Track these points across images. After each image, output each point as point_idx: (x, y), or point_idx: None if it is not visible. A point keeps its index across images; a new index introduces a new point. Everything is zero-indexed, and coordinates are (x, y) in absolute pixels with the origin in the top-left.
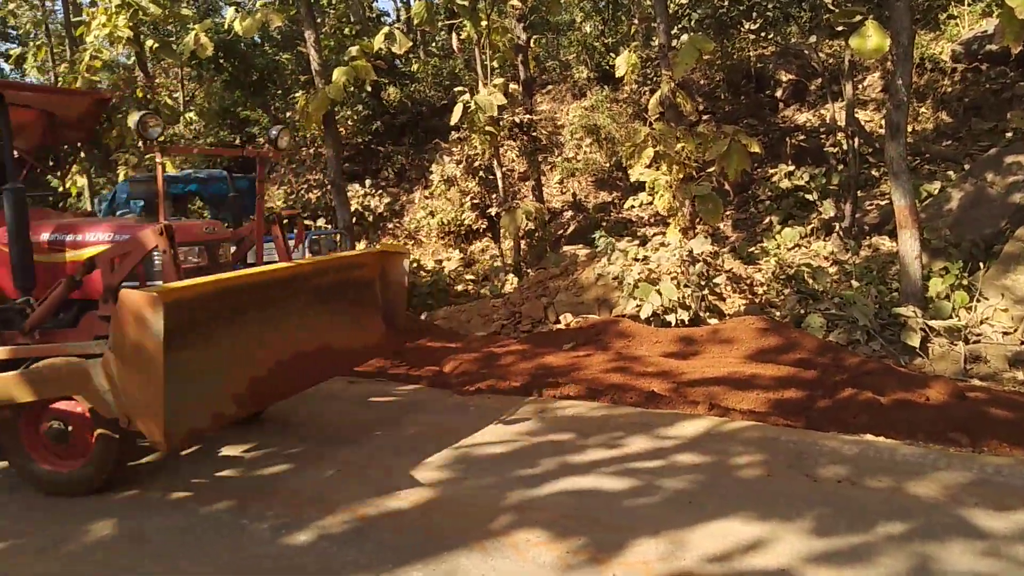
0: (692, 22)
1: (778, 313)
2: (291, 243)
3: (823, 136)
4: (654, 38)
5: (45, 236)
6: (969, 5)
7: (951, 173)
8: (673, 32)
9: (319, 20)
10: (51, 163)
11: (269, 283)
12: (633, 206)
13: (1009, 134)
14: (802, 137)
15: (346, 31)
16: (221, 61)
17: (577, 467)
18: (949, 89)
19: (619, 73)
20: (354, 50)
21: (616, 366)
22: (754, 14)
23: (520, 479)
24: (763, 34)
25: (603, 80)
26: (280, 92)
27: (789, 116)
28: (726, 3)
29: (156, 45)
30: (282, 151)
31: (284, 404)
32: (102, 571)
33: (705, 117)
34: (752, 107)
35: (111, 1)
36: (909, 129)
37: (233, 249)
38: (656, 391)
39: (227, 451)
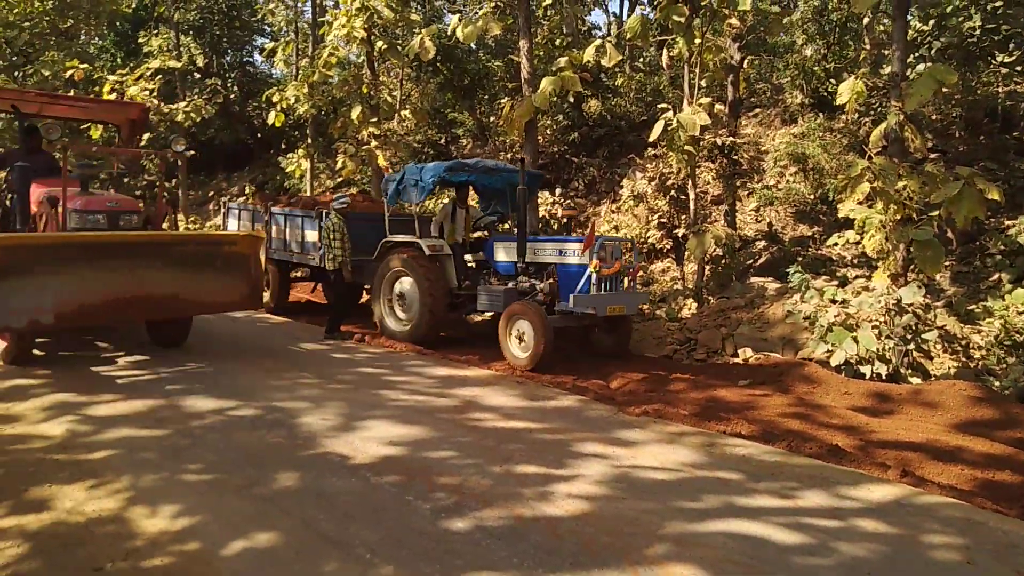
0: (932, 51)
1: (997, 383)
2: (577, 245)
3: None
4: (885, 65)
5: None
6: None
7: None
8: (909, 60)
9: (533, 30)
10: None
11: (104, 245)
12: (836, 244)
13: None
14: None
15: (557, 42)
16: (439, 64)
17: (743, 510)
18: None
19: (840, 100)
20: (563, 61)
21: (796, 411)
22: (1011, 45)
23: (681, 510)
24: (1019, 68)
25: (818, 107)
26: (487, 97)
27: None
28: (977, 32)
29: (384, 46)
30: (178, 154)
31: (471, 402)
32: (285, 518)
33: (933, 156)
34: (993, 149)
35: (352, 4)
36: None
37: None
38: (840, 445)
39: (397, 431)
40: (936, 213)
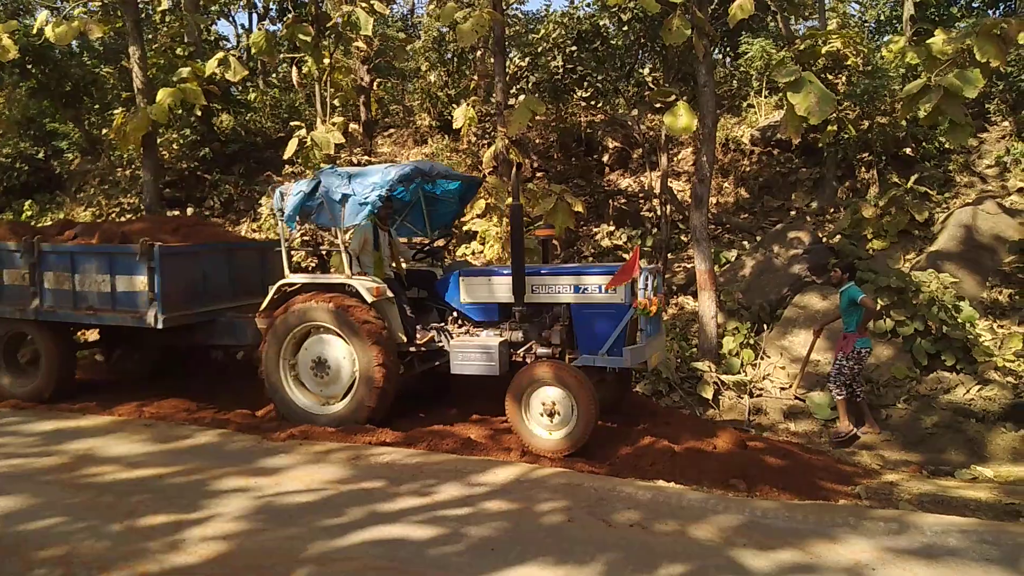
0: (529, 84)
1: None
2: (603, 279)
3: (641, 201)
4: (494, 95)
5: None
6: (765, 97)
7: (746, 243)
8: (512, 91)
9: (149, 36)
10: None
11: None
12: (465, 254)
13: (793, 212)
14: (624, 200)
15: (179, 51)
16: (29, 67)
17: (386, 515)
18: (748, 168)
19: (456, 124)
20: (185, 72)
21: (436, 411)
22: (585, 83)
23: (325, 529)
24: (593, 103)
25: (444, 129)
26: (98, 107)
27: (613, 180)
28: (561, 70)
29: None
30: None
31: (85, 456)
32: None
33: (539, 175)
34: (581, 169)
35: None
36: (713, 201)
37: None
38: (473, 438)
39: None
40: (540, 223)
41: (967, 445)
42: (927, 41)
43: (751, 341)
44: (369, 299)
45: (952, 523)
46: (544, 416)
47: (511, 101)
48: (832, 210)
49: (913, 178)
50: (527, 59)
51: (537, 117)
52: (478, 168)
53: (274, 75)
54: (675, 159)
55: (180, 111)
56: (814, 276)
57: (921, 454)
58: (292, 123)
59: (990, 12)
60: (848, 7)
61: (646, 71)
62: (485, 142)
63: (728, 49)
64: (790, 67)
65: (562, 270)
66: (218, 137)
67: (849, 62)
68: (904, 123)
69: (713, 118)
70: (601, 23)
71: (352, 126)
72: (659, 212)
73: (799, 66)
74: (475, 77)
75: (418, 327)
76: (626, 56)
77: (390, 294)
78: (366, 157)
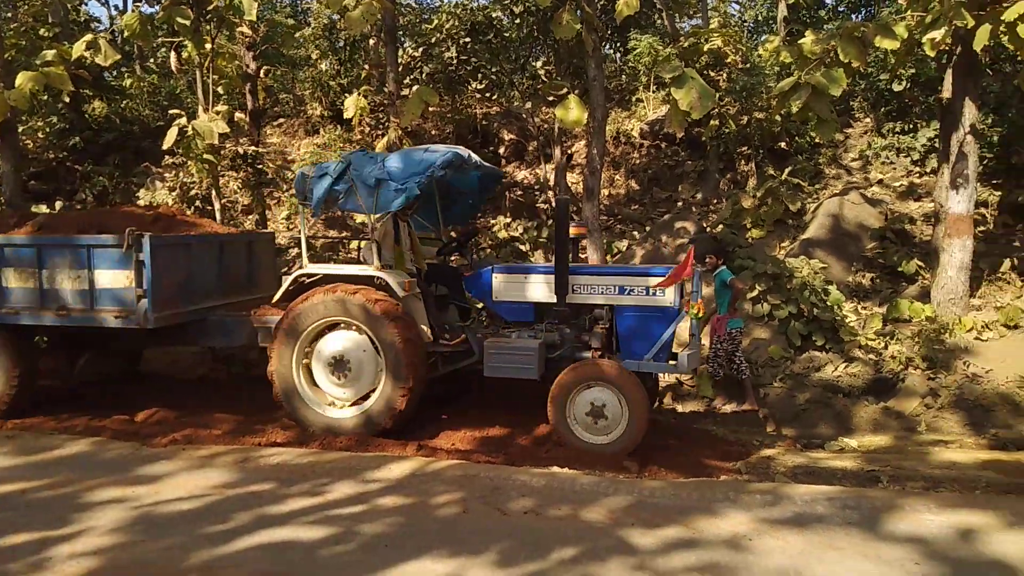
0: (423, 75)
1: None
2: (654, 279)
3: (537, 193)
4: (387, 85)
5: None
6: (653, 92)
7: (636, 233)
8: (406, 82)
9: (8, 15)
10: None
11: None
12: (360, 247)
13: (680, 203)
14: (520, 192)
15: (42, 32)
16: None
17: (275, 518)
18: (638, 161)
19: (348, 114)
20: (50, 54)
21: None
22: (480, 75)
23: (209, 536)
24: (488, 95)
25: (337, 119)
26: None
27: (510, 172)
28: (455, 62)
29: None
30: None
31: None
32: None
33: None
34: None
35: None
36: (605, 193)
37: None
38: (367, 434)
39: None
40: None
41: (836, 419)
42: (799, 41)
43: None
44: (400, 293)
45: (820, 492)
46: (591, 417)
47: (404, 91)
48: (715, 201)
49: (787, 170)
50: (420, 49)
51: (431, 108)
52: None
53: (152, 60)
54: (569, 151)
55: (45, 97)
56: (699, 264)
57: (795, 428)
58: (172, 111)
59: (853, 16)
60: (729, 7)
61: (539, 64)
62: (379, 132)
63: (618, 45)
64: (674, 63)
65: (607, 269)
66: (90, 125)
67: (729, 60)
68: (779, 118)
69: (603, 112)
70: (494, 15)
71: (238, 115)
72: (554, 204)
73: (682, 63)
74: (367, 66)
75: (446, 326)
76: (520, 49)
77: (416, 291)
78: (253, 147)
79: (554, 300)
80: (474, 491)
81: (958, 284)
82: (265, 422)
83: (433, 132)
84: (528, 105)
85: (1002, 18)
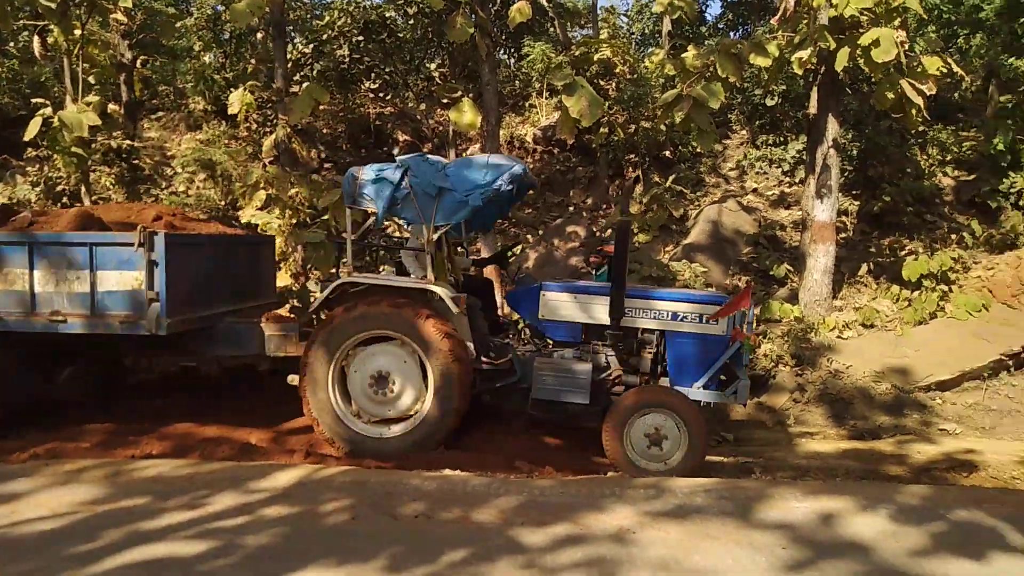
0: (314, 72)
1: None
2: (709, 307)
3: None
4: (275, 81)
5: None
6: (546, 99)
7: (530, 237)
8: (296, 78)
9: None
10: None
11: None
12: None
13: (571, 208)
14: None
15: None
16: None
17: (150, 534)
18: (531, 166)
19: (232, 110)
20: None
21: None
22: (373, 74)
23: (73, 557)
24: (382, 95)
25: (222, 115)
26: None
27: None
28: (347, 60)
29: None
30: None
31: None
32: None
33: (328, 166)
34: (371, 161)
35: None
36: None
37: None
38: (253, 442)
39: None
40: (327, 217)
41: (714, 414)
42: (682, 55)
43: None
44: (455, 310)
45: (699, 484)
46: (649, 443)
47: (294, 88)
48: (605, 206)
49: (671, 178)
50: (311, 46)
51: (323, 106)
52: (258, 157)
53: (12, 44)
54: (464, 154)
55: None
56: (589, 267)
57: None
58: (36, 100)
59: (731, 34)
60: (618, 19)
61: (434, 66)
62: (267, 130)
63: (512, 50)
64: (566, 71)
65: (661, 294)
66: None
67: (618, 70)
68: (663, 128)
69: (497, 116)
70: (388, 15)
71: (112, 107)
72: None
73: (574, 71)
74: (254, 61)
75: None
76: (415, 50)
77: (462, 306)
78: (128, 141)
79: (605, 322)
80: (364, 497)
81: (822, 287)
82: (139, 433)
83: (325, 131)
84: (423, 106)
85: (859, 43)
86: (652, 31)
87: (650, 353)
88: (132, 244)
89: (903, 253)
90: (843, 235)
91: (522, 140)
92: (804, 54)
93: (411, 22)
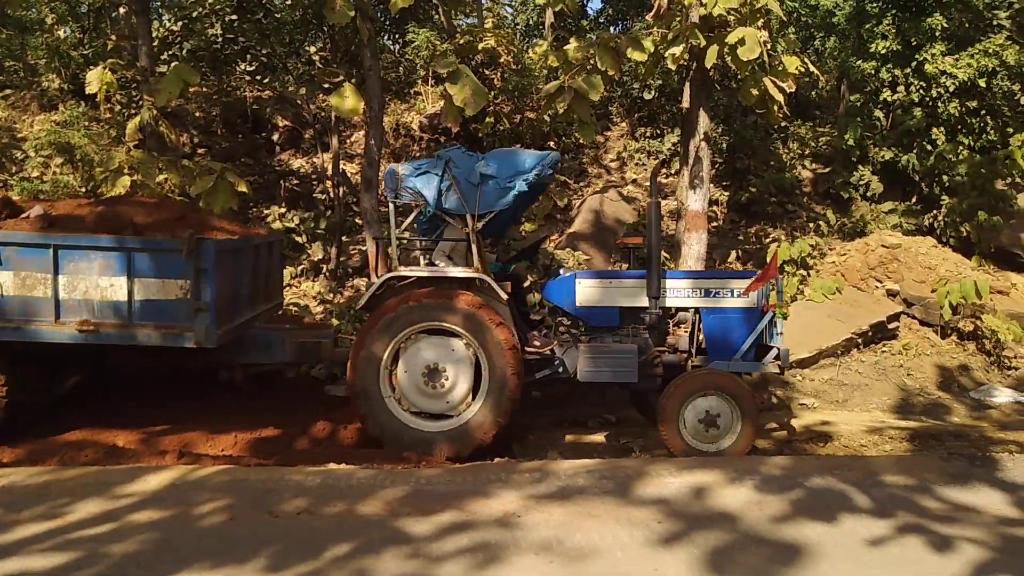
0: (183, 51)
1: None
2: (740, 283)
3: (314, 182)
4: (139, 60)
5: None
6: (432, 86)
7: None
8: (163, 58)
9: None
10: None
11: None
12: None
13: None
14: (296, 182)
15: None
16: None
17: (0, 549)
18: (417, 154)
19: (91, 89)
20: None
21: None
22: (249, 56)
23: None
24: (260, 78)
25: (80, 95)
26: None
27: (285, 160)
28: (220, 40)
29: None
30: None
31: None
32: None
33: (201, 151)
34: (249, 147)
35: None
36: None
37: None
38: (120, 445)
39: None
40: (200, 204)
41: (597, 398)
42: (564, 48)
43: None
44: (504, 297)
45: (582, 465)
46: (703, 425)
47: (162, 68)
48: None
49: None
50: (180, 23)
51: (193, 88)
52: (122, 140)
53: None
54: (348, 141)
55: None
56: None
57: (561, 411)
58: None
59: (611, 28)
60: (502, 9)
61: (314, 50)
62: (132, 112)
63: (396, 36)
64: (450, 59)
65: (695, 274)
66: None
67: (502, 60)
68: (547, 119)
69: (380, 102)
70: None
71: None
72: (332, 194)
73: (458, 59)
74: (114, 37)
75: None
76: (294, 32)
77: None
78: None
79: (642, 304)
80: (243, 496)
81: None
82: None
83: (198, 115)
84: (303, 91)
85: (726, 41)
86: (536, 22)
87: (687, 331)
88: (180, 251)
89: (768, 240)
90: (714, 224)
91: (408, 128)
92: (677, 50)
93: (289, 2)
